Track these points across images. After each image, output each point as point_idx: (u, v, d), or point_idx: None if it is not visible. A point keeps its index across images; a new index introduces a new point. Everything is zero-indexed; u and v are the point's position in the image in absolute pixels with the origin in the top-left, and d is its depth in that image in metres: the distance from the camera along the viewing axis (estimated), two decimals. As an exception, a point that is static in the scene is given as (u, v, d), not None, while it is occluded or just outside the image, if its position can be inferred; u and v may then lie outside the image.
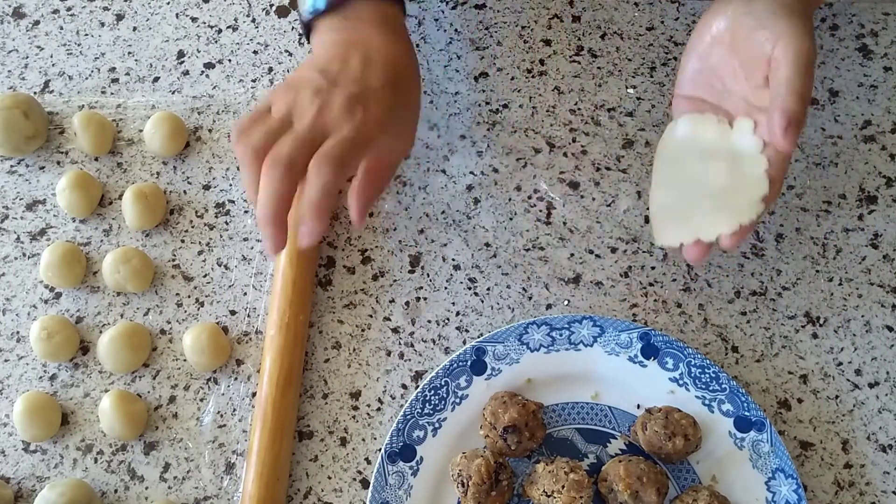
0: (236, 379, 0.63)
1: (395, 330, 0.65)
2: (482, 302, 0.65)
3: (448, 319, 0.65)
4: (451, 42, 0.72)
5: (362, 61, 0.55)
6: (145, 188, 0.66)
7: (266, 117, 0.53)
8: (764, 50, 0.55)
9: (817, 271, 0.65)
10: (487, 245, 0.67)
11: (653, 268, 0.66)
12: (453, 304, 0.65)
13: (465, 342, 0.64)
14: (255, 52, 0.73)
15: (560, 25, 0.73)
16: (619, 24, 0.72)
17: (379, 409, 0.63)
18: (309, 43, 0.61)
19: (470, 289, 0.65)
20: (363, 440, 0.62)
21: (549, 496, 0.55)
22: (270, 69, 0.72)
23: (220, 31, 0.74)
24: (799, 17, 0.55)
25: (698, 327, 0.64)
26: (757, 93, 0.57)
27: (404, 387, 0.63)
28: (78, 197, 0.66)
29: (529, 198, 0.68)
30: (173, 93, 0.71)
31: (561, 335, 0.62)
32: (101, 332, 0.65)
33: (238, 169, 0.69)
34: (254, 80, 0.72)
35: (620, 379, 0.61)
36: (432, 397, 0.60)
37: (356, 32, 0.57)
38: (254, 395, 0.63)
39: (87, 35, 0.74)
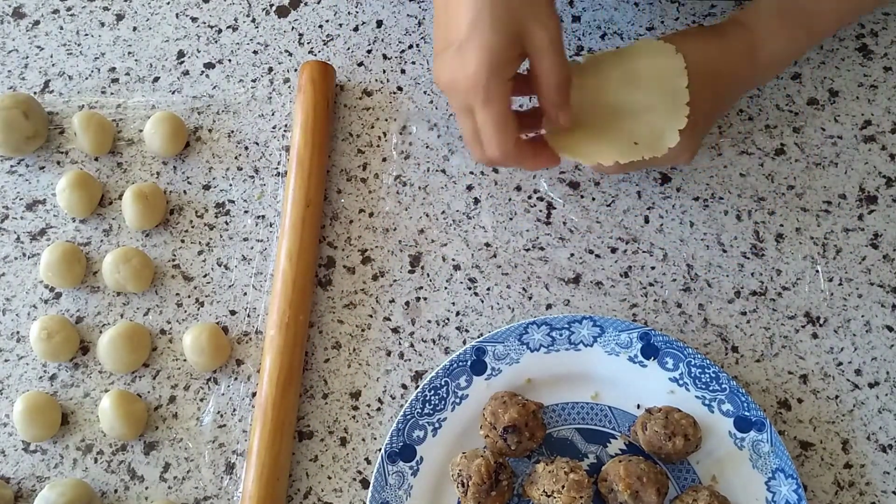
0: (236, 379, 0.63)
1: (395, 330, 0.65)
2: (482, 302, 0.65)
3: (448, 319, 0.65)
4: (451, 42, 0.72)
5: (450, 10, 0.53)
6: (145, 188, 0.66)
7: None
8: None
9: (817, 271, 0.65)
10: (487, 245, 0.67)
11: (653, 268, 0.66)
12: (453, 304, 0.65)
13: (465, 342, 0.64)
14: (255, 52, 0.73)
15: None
16: (619, 24, 0.72)
17: (379, 409, 0.63)
18: None
19: (470, 289, 0.65)
20: (363, 440, 0.62)
21: (549, 496, 0.55)
22: (270, 69, 0.72)
23: (220, 31, 0.74)
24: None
25: (698, 327, 0.64)
26: None
27: (404, 387, 0.63)
28: (78, 197, 0.66)
29: (529, 198, 0.68)
30: (173, 93, 0.71)
31: (561, 335, 0.62)
32: (101, 332, 0.65)
33: (238, 169, 0.69)
34: (254, 80, 0.72)
35: (620, 379, 0.61)
36: (432, 397, 0.60)
37: None
38: (254, 395, 0.63)
39: (87, 35, 0.74)
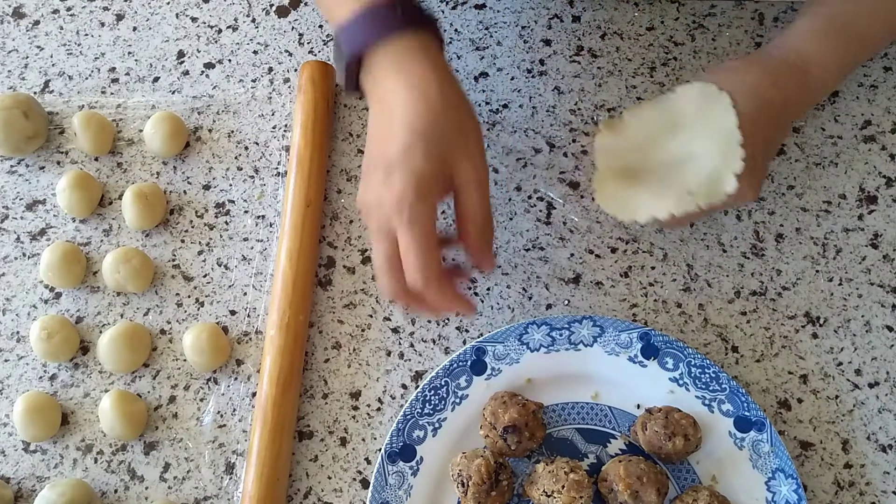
0: (236, 379, 0.63)
1: (395, 330, 0.65)
2: (482, 302, 0.65)
3: (448, 319, 0.65)
4: (451, 42, 0.72)
5: (385, 129, 0.52)
6: (145, 188, 0.66)
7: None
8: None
9: (817, 271, 0.65)
10: (487, 245, 0.67)
11: (653, 268, 0.66)
12: (453, 304, 0.65)
13: (465, 342, 0.64)
14: (255, 52, 0.73)
15: (560, 25, 0.73)
16: (619, 24, 0.72)
17: (379, 409, 0.63)
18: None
19: (470, 289, 0.65)
20: (363, 440, 0.62)
21: (549, 496, 0.55)
22: (270, 69, 0.72)
23: (220, 31, 0.74)
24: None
25: (698, 327, 0.64)
26: None
27: (404, 387, 0.63)
28: (78, 197, 0.66)
29: (529, 198, 0.68)
30: (173, 93, 0.71)
31: (561, 335, 0.62)
32: (101, 332, 0.65)
33: (239, 169, 0.69)
34: (254, 80, 0.72)
35: (620, 379, 0.61)
36: (432, 397, 0.60)
37: (377, 91, 0.53)
38: (254, 395, 0.63)
39: (87, 35, 0.74)
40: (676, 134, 0.57)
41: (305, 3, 0.74)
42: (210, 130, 0.70)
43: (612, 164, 0.58)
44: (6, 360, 0.65)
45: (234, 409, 0.63)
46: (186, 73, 0.72)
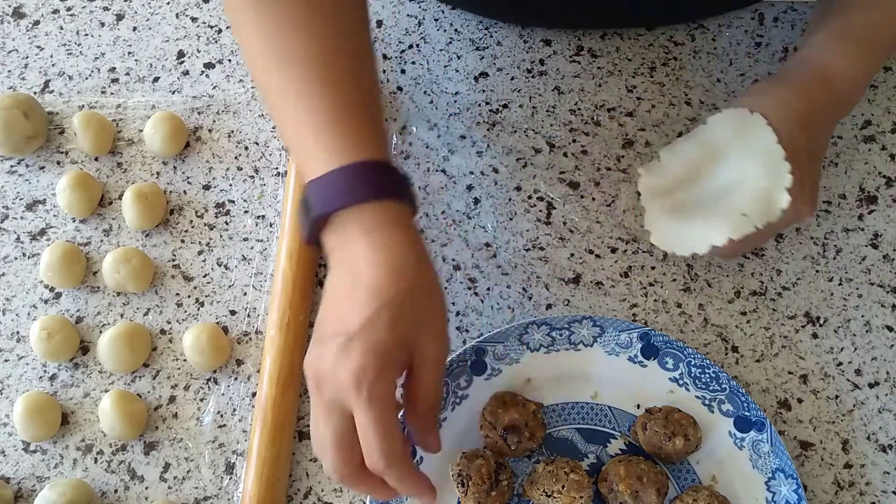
0: (236, 379, 0.63)
1: (395, 330, 0.64)
2: (482, 302, 0.65)
3: (448, 319, 0.65)
4: (451, 42, 0.72)
5: (347, 294, 0.49)
6: (145, 188, 0.66)
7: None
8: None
9: (817, 271, 0.65)
10: (487, 245, 0.67)
11: (653, 268, 0.66)
12: (453, 304, 0.65)
13: (465, 342, 0.64)
14: (255, 52, 0.73)
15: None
16: (619, 24, 0.72)
17: (379, 409, 0.63)
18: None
19: (470, 289, 0.65)
20: (363, 440, 0.62)
21: (549, 496, 0.55)
22: (270, 69, 0.72)
23: (220, 31, 0.74)
24: None
25: (698, 327, 0.64)
26: None
27: (404, 387, 0.63)
28: (78, 197, 0.66)
29: (529, 198, 0.68)
30: (173, 93, 0.71)
31: (561, 335, 0.62)
32: (101, 332, 0.65)
33: (235, 171, 0.69)
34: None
35: (620, 379, 0.61)
36: (432, 397, 0.60)
37: (342, 253, 0.50)
38: (254, 395, 0.63)
39: (87, 35, 0.74)
40: (717, 162, 0.57)
41: (305, 3, 0.74)
42: (210, 130, 0.70)
43: (660, 203, 0.59)
44: (6, 360, 0.65)
45: (234, 409, 0.63)
46: (186, 73, 0.72)
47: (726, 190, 0.57)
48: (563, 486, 0.55)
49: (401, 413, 0.52)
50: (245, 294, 0.66)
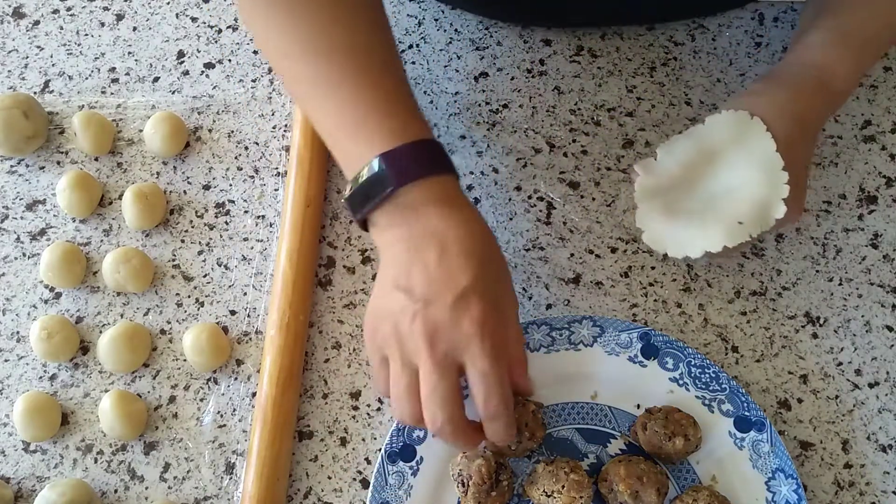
0: (236, 379, 0.63)
1: (395, 330, 0.64)
2: (482, 302, 0.65)
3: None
4: (451, 42, 0.72)
5: (439, 260, 0.51)
6: (145, 188, 0.66)
7: (390, 375, 0.52)
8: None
9: (817, 271, 0.65)
10: (487, 245, 0.66)
11: (653, 268, 0.66)
12: (453, 304, 0.65)
13: (465, 342, 0.64)
14: (255, 52, 0.73)
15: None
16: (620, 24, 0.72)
17: (379, 409, 0.63)
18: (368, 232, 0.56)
19: (470, 289, 0.65)
20: (363, 440, 0.62)
21: (549, 496, 0.55)
22: (270, 69, 0.72)
23: (220, 31, 0.74)
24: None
25: (698, 327, 0.64)
26: None
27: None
28: (78, 197, 0.66)
29: (529, 198, 0.68)
30: (173, 93, 0.71)
31: (561, 335, 0.62)
32: (101, 332, 0.65)
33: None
34: (254, 80, 0.72)
35: (620, 379, 0.61)
36: (432, 397, 0.60)
37: (419, 224, 0.52)
38: (254, 395, 0.63)
39: (87, 35, 0.74)
40: (714, 165, 0.57)
41: (305, 3, 0.74)
42: (210, 130, 0.70)
43: (655, 203, 0.59)
44: (6, 360, 0.65)
45: (234, 409, 0.63)
46: (186, 73, 0.72)
47: (723, 194, 0.57)
48: (563, 486, 0.55)
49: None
50: (245, 294, 0.66)
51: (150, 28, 0.74)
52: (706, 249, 0.55)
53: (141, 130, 0.70)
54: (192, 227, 0.68)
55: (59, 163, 0.70)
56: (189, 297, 0.66)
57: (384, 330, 0.52)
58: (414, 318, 0.50)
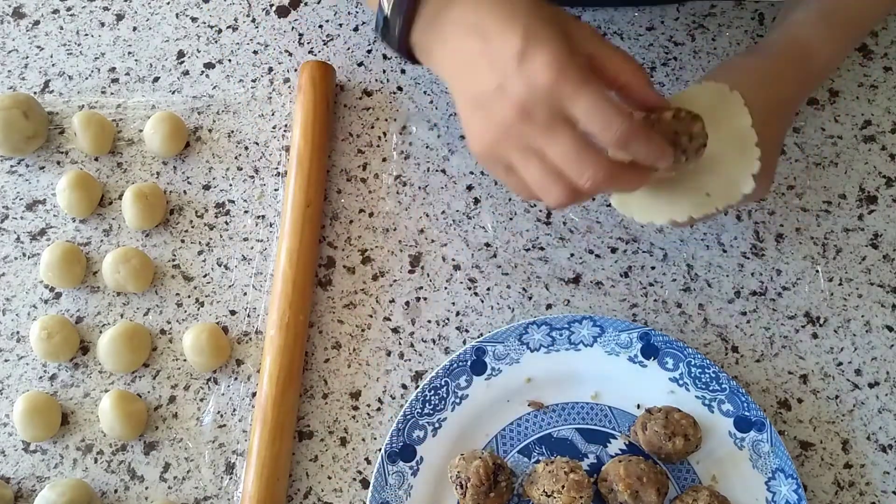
0: (236, 379, 0.63)
1: (395, 330, 0.65)
2: (482, 302, 0.65)
3: (448, 319, 0.65)
4: (451, 42, 0.72)
5: (484, 46, 0.48)
6: (145, 188, 0.66)
7: (524, 176, 0.49)
8: None
9: (817, 271, 0.65)
10: (487, 245, 0.67)
11: (653, 268, 0.66)
12: (453, 304, 0.65)
13: (465, 342, 0.64)
14: (255, 52, 0.73)
15: (560, 25, 0.72)
16: (619, 24, 0.72)
17: (379, 409, 0.63)
18: (422, 64, 0.54)
19: (470, 289, 0.65)
20: (363, 440, 0.62)
21: (549, 496, 0.55)
22: (270, 69, 0.72)
23: (220, 31, 0.74)
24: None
25: (698, 327, 0.64)
26: None
27: (404, 387, 0.63)
28: (78, 197, 0.66)
29: (529, 198, 0.68)
30: (173, 93, 0.71)
31: (561, 335, 0.62)
32: (101, 332, 0.65)
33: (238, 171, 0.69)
34: (254, 80, 0.72)
35: (620, 379, 0.61)
36: (432, 397, 0.60)
37: (454, 27, 0.49)
38: (254, 395, 0.63)
39: (87, 35, 0.74)
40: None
41: (305, 3, 0.74)
42: (210, 130, 0.70)
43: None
44: (6, 360, 0.65)
45: (234, 409, 0.63)
46: (186, 73, 0.72)
47: (694, 165, 0.56)
48: (563, 486, 0.55)
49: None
50: (245, 294, 0.66)
51: (150, 28, 0.74)
52: (672, 218, 0.55)
53: (141, 130, 0.70)
54: (192, 227, 0.68)
55: (59, 163, 0.70)
56: (189, 297, 0.66)
57: (490, 143, 0.49)
58: (502, 110, 0.47)
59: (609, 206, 0.67)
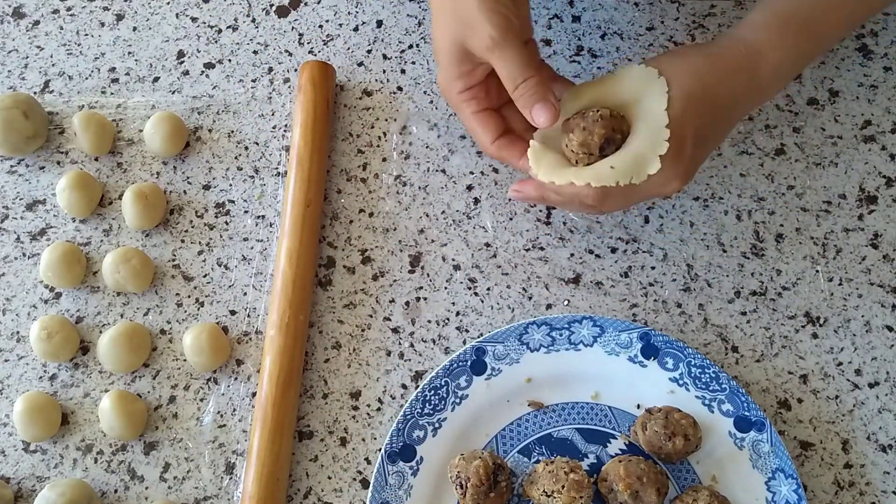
0: (236, 379, 0.63)
1: (395, 330, 0.65)
2: (482, 302, 0.65)
3: (448, 319, 0.65)
4: (451, 42, 0.72)
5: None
6: (145, 188, 0.66)
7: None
8: None
9: (817, 271, 0.65)
10: (487, 245, 0.67)
11: (653, 268, 0.66)
12: (453, 304, 0.65)
13: (465, 342, 0.64)
14: (255, 52, 0.73)
15: (560, 25, 0.73)
16: (619, 24, 0.72)
17: (379, 409, 0.63)
18: None
19: (470, 289, 0.65)
20: (363, 440, 0.62)
21: (549, 496, 0.55)
22: (270, 69, 0.72)
23: (220, 31, 0.74)
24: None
25: (698, 327, 0.64)
26: None
27: (404, 387, 0.63)
28: (78, 197, 0.66)
29: (529, 198, 0.68)
30: (173, 93, 0.71)
31: (561, 335, 0.62)
32: (101, 332, 0.65)
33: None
34: (254, 80, 0.72)
35: (620, 379, 0.61)
36: (432, 397, 0.60)
37: None
38: (254, 395, 0.63)
39: (87, 35, 0.74)
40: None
41: (305, 3, 0.74)
42: (210, 130, 0.70)
43: (548, 143, 0.58)
44: (6, 360, 0.65)
45: (234, 409, 0.63)
46: (186, 73, 0.72)
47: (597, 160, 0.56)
48: (563, 486, 0.55)
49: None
50: (245, 294, 0.66)
51: (150, 28, 0.74)
52: (570, 180, 0.55)
53: (141, 130, 0.70)
54: (192, 227, 0.68)
55: (59, 163, 0.70)
56: (189, 297, 0.66)
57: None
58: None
59: (609, 206, 0.67)
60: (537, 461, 0.58)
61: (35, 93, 0.72)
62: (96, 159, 0.70)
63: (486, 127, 0.58)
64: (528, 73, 0.55)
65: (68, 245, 0.66)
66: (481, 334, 0.64)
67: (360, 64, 0.72)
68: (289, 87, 0.71)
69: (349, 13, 0.73)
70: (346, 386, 0.63)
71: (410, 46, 0.72)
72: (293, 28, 0.73)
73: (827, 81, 0.70)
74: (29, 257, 0.67)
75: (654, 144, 0.54)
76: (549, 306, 0.65)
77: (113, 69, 0.72)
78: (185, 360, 0.64)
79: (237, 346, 0.64)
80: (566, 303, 0.65)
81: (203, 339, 0.62)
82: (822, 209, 0.67)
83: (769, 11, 0.57)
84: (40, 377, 0.64)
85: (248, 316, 0.65)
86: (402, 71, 0.71)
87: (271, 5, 0.74)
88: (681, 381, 0.60)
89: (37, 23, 0.74)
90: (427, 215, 0.67)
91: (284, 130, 0.70)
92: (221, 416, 0.63)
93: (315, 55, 0.72)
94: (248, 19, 0.74)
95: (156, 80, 0.72)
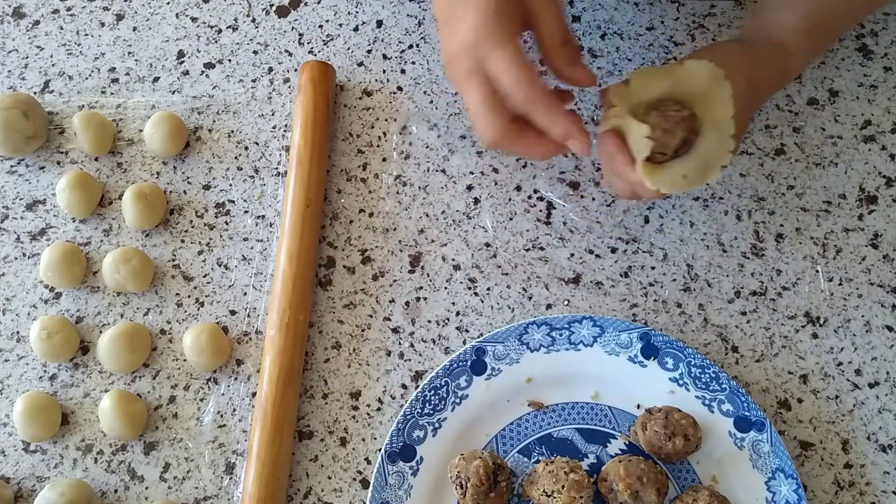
0: (236, 379, 0.63)
1: (395, 330, 0.65)
2: (482, 302, 0.65)
3: (448, 319, 0.65)
4: (451, 42, 0.72)
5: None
6: (145, 188, 0.66)
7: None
8: None
9: (817, 271, 0.65)
10: (487, 245, 0.67)
11: (653, 268, 0.66)
12: (453, 304, 0.65)
13: (465, 342, 0.64)
14: (255, 52, 0.73)
15: (560, 25, 0.73)
16: (619, 24, 0.72)
17: (379, 409, 0.63)
18: None
19: (470, 289, 0.65)
20: (363, 440, 0.62)
21: (549, 496, 0.55)
22: (270, 69, 0.72)
23: (220, 31, 0.74)
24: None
25: (698, 327, 0.64)
26: None
27: (404, 387, 0.63)
28: (78, 197, 0.66)
29: (529, 198, 0.68)
30: (173, 93, 0.71)
31: (561, 335, 0.62)
32: (101, 332, 0.65)
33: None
34: (254, 80, 0.72)
35: (620, 379, 0.61)
36: (432, 397, 0.60)
37: None
38: (254, 395, 0.63)
39: (87, 35, 0.74)
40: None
41: (305, 3, 0.74)
42: (210, 130, 0.70)
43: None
44: (6, 360, 0.65)
45: (234, 409, 0.63)
46: (186, 73, 0.72)
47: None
48: (563, 486, 0.55)
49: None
50: (245, 294, 0.66)
51: (150, 28, 0.74)
52: (645, 182, 0.54)
53: (141, 130, 0.70)
54: (192, 227, 0.68)
55: (59, 163, 0.70)
56: (189, 297, 0.66)
57: (445, 61, 0.53)
58: (444, 44, 0.52)
59: (609, 206, 0.67)
60: (537, 461, 0.58)
61: (35, 93, 0.72)
62: (96, 159, 0.70)
63: (531, 65, 0.52)
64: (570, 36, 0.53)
65: (68, 245, 0.66)
66: (481, 334, 0.64)
67: (360, 64, 0.72)
68: (289, 87, 0.71)
69: (349, 13, 0.73)
70: (346, 386, 0.63)
71: (410, 46, 0.72)
72: (293, 28, 0.73)
73: (827, 81, 0.70)
74: (29, 257, 0.67)
75: (720, 153, 0.54)
76: (549, 306, 0.65)
77: (113, 69, 0.72)
78: (185, 360, 0.64)
79: (237, 346, 0.64)
80: (566, 303, 0.65)
81: (203, 339, 0.62)
82: (822, 209, 0.67)
83: (799, 16, 0.59)
84: (40, 377, 0.64)
85: (248, 316, 0.65)
86: (402, 71, 0.71)
87: (271, 5, 0.74)
88: (681, 381, 0.60)
89: (37, 23, 0.74)
90: (427, 215, 0.67)
91: (284, 130, 0.70)
92: (221, 416, 0.63)
93: (315, 55, 0.72)
94: (248, 19, 0.74)
95: (156, 80, 0.72)
